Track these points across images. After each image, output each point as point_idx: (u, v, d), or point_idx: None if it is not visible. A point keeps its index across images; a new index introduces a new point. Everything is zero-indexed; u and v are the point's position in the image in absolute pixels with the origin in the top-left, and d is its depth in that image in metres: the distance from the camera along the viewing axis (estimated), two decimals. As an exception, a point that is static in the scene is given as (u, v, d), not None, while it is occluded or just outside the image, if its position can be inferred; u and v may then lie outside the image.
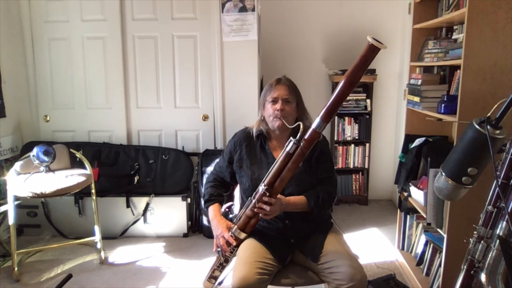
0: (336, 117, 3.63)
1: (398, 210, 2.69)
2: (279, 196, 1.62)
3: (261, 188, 1.58)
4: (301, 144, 1.51)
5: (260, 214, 1.62)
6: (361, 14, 3.68)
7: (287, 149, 1.53)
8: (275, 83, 1.76)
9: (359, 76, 1.39)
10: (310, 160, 1.74)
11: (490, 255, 1.26)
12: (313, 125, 1.49)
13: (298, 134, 1.52)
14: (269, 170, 1.59)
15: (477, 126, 1.23)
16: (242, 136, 1.85)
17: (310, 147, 1.51)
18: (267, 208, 1.58)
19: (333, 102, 1.44)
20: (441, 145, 2.32)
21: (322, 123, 1.47)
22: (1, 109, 2.98)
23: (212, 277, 1.80)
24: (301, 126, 1.52)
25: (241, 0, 3.05)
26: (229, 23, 3.08)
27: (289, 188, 1.70)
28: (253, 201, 1.62)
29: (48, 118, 3.34)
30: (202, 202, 1.91)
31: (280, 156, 1.56)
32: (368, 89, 3.62)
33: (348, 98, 3.56)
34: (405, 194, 2.47)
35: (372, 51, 1.35)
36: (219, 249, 1.75)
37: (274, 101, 1.73)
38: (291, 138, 1.53)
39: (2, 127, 2.99)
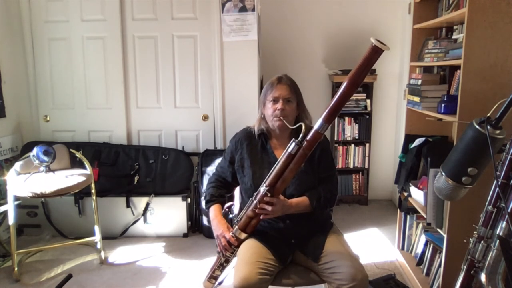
0: (336, 117, 3.62)
1: (398, 210, 2.69)
2: (282, 198, 1.62)
3: (263, 188, 1.58)
4: (303, 145, 1.50)
5: (261, 215, 1.62)
6: (361, 14, 3.68)
7: (289, 150, 1.52)
8: (276, 82, 1.75)
9: (362, 77, 1.39)
10: (312, 160, 1.74)
11: (490, 255, 1.26)
12: (315, 126, 1.49)
13: (300, 135, 1.51)
14: (271, 171, 1.58)
15: (477, 126, 1.23)
16: (243, 135, 1.85)
17: (312, 148, 1.51)
18: (269, 208, 1.58)
19: (335, 104, 1.44)
20: (441, 145, 2.32)
21: (325, 124, 1.47)
22: (1, 109, 2.98)
23: (212, 277, 1.80)
24: (303, 127, 1.52)
25: (241, 0, 3.05)
26: (229, 23, 3.08)
27: (290, 188, 1.71)
28: (254, 201, 1.62)
29: (48, 118, 3.34)
30: (203, 203, 1.91)
31: (281, 157, 1.56)
32: (368, 89, 3.62)
33: (348, 98, 3.57)
34: (405, 194, 2.47)
35: (376, 52, 1.34)
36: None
37: (275, 101, 1.72)
38: (293, 139, 1.53)
39: (2, 127, 2.99)
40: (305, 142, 1.50)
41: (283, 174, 1.55)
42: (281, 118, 1.69)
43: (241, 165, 1.81)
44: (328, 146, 1.82)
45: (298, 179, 1.70)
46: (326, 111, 1.45)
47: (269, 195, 1.57)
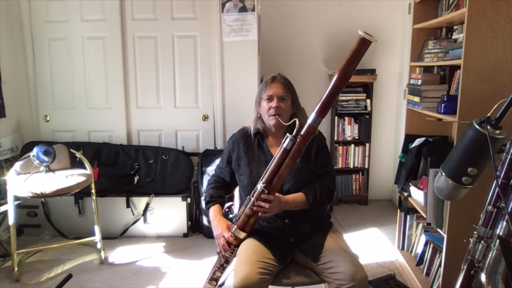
0: (336, 117, 3.63)
1: (398, 210, 2.69)
2: (277, 194, 1.62)
3: (259, 186, 1.59)
4: (298, 139, 1.52)
5: (259, 213, 1.62)
6: (361, 14, 3.68)
7: (284, 145, 1.54)
8: (270, 81, 1.77)
9: (351, 70, 1.42)
10: (308, 156, 1.75)
11: (490, 255, 1.26)
12: (309, 121, 1.51)
13: (295, 130, 1.53)
14: (267, 167, 1.59)
15: (477, 126, 1.23)
16: (240, 135, 1.87)
17: (306, 142, 1.53)
18: (266, 205, 1.58)
19: (327, 97, 1.47)
20: (441, 145, 2.32)
21: (318, 118, 1.49)
22: (1, 109, 2.98)
23: (213, 279, 1.79)
24: (297, 122, 1.53)
25: (241, 0, 3.05)
26: (229, 23, 3.09)
27: (287, 185, 1.71)
28: (252, 199, 1.62)
29: (48, 118, 3.34)
30: (203, 203, 1.91)
31: (277, 153, 1.57)
32: (368, 89, 3.61)
33: (348, 98, 3.58)
34: (405, 194, 2.47)
35: (363, 44, 1.37)
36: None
37: (270, 99, 1.74)
38: (287, 134, 1.54)
39: (2, 127, 2.99)
40: (300, 137, 1.52)
41: (279, 170, 1.56)
42: (276, 115, 1.70)
43: (238, 164, 1.82)
44: (324, 143, 1.83)
45: (295, 176, 1.71)
46: (319, 104, 1.48)
47: (266, 192, 1.58)
